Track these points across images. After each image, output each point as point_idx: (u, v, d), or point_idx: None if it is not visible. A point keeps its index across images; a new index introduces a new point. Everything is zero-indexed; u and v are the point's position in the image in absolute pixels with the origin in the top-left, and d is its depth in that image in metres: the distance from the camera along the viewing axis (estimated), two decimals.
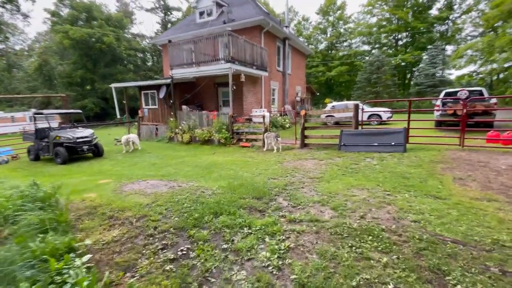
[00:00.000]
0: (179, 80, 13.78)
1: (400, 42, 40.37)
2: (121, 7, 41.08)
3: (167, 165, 7.78)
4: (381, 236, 2.84)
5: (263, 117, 10.13)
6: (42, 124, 10.86)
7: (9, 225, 2.74)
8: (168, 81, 13.51)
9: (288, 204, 3.91)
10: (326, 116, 15.88)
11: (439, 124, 11.69)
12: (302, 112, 9.03)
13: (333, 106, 17.28)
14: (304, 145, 9.16)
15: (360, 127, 8.55)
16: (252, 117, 12.78)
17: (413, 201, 3.82)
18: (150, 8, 43.50)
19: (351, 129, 8.22)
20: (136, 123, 17.60)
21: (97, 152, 9.86)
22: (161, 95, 14.39)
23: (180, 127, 12.75)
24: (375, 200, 3.91)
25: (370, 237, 2.82)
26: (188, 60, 12.45)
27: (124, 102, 17.76)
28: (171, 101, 13.52)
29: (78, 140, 9.03)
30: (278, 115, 15.71)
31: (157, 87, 14.75)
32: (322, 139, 9.36)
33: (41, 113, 9.11)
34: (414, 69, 38.76)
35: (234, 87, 12.01)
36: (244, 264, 2.51)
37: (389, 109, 16.83)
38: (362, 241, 2.77)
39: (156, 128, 15.34)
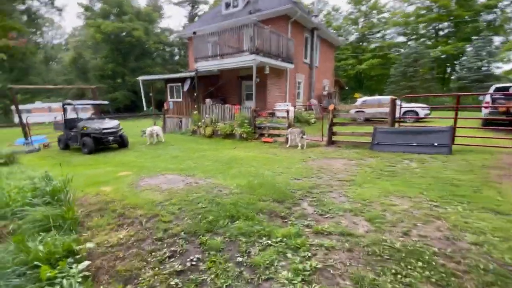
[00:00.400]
0: (203, 73, 13.61)
1: (441, 33, 36.93)
2: (151, 1, 42.10)
3: (188, 158, 7.60)
4: (433, 263, 2.27)
5: (287, 111, 9.60)
6: (73, 115, 11.34)
7: (15, 219, 2.59)
8: (193, 73, 13.40)
9: (314, 211, 3.43)
10: (356, 112, 14.90)
11: (487, 123, 10.30)
12: (331, 107, 8.35)
13: (364, 101, 16.16)
14: (331, 143, 8.50)
15: (396, 125, 7.69)
16: (276, 111, 12.27)
17: (468, 216, 3.14)
18: (178, 1, 44.12)
19: (385, 127, 7.41)
20: (162, 116, 17.95)
21: (122, 143, 10.03)
22: (186, 88, 14.36)
23: (203, 121, 12.62)
24: (420, 212, 3.29)
25: (420, 263, 2.27)
26: (213, 52, 12.19)
27: (151, 94, 18.13)
28: (195, 94, 13.42)
29: (104, 131, 9.20)
30: (303, 109, 15.01)
31: (182, 80, 14.75)
32: (352, 137, 8.63)
33: (70, 104, 9.42)
34: (455, 62, 35.37)
35: (258, 80, 11.57)
36: (260, 285, 2.11)
37: (427, 105, 15.36)
38: (409, 267, 2.23)
39: (180, 121, 15.42)
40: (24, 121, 10.77)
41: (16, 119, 22.61)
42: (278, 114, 12.01)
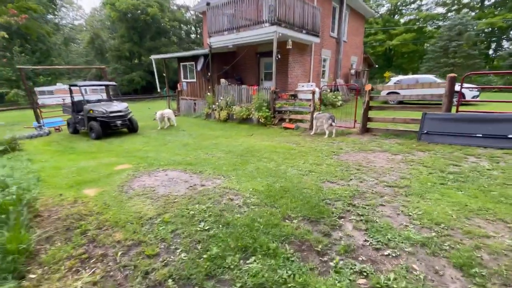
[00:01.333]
0: (218, 50, 12.37)
1: (487, 2, 32.22)
2: None
3: (199, 147, 6.70)
4: None
5: (313, 93, 8.27)
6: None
7: None
8: (206, 51, 12.20)
9: (365, 240, 2.36)
10: (388, 94, 13.12)
11: None
12: (368, 87, 6.94)
13: (397, 81, 14.24)
14: (365, 130, 7.18)
15: (447, 110, 6.16)
16: (298, 92, 10.93)
17: None
18: None
19: (438, 112, 5.95)
20: (176, 97, 17.14)
21: (131, 127, 9.32)
22: (199, 67, 13.26)
23: (217, 103, 11.59)
24: None
25: None
26: (228, 25, 10.84)
27: (165, 75, 17.24)
28: (209, 74, 12.31)
29: (111, 115, 8.48)
30: (328, 90, 13.46)
31: (195, 59, 13.63)
32: (390, 124, 7.25)
33: (76, 85, 8.71)
34: (503, 36, 31.00)
35: (279, 56, 10.20)
36: None
37: (475, 86, 13.22)
38: None
39: (194, 103, 14.51)
40: (41, 103, 10.32)
41: (39, 101, 22.84)
42: (301, 96, 10.67)
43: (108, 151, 6.82)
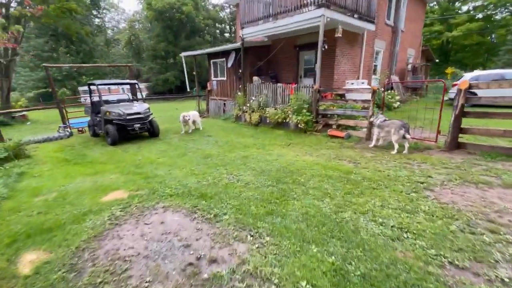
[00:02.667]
0: (251, 44, 10.88)
1: None
2: None
3: (223, 162, 5.25)
4: None
5: (373, 92, 6.31)
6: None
7: None
8: (238, 45, 10.79)
9: None
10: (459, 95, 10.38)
11: None
12: (463, 85, 4.82)
13: (473, 77, 11.34)
14: (456, 146, 5.06)
15: None
16: (348, 91, 8.94)
17: None
18: None
19: None
20: (205, 97, 16.13)
21: (152, 131, 8.25)
22: (230, 63, 11.91)
23: (248, 104, 10.09)
24: None
25: None
26: (264, 13, 9.27)
27: (195, 73, 16.33)
28: (240, 71, 10.88)
29: (128, 117, 7.46)
30: (381, 89, 11.16)
31: (226, 54, 12.32)
32: (501, 138, 5.03)
33: (93, 84, 7.89)
34: None
35: (325, 47, 8.35)
36: None
37: None
38: None
39: (224, 104, 13.24)
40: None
41: (82, 100, 23.71)
42: (350, 96, 8.67)
43: (117, 162, 5.70)
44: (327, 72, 9.79)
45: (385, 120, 5.56)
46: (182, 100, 29.53)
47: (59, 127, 9.79)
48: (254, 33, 9.83)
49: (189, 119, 8.85)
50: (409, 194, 3.28)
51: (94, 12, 31.87)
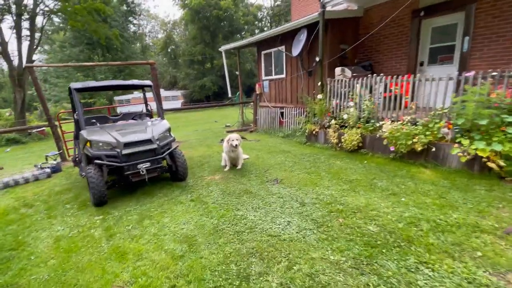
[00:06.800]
0: (333, 15, 6.77)
1: None
2: None
3: None
4: None
5: None
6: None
7: None
8: (313, 16, 6.74)
9: None
10: None
11: None
12: None
13: None
14: None
15: None
16: None
17: None
18: None
19: None
20: (251, 104, 12.40)
21: (175, 171, 4.52)
22: (296, 51, 7.89)
23: (335, 115, 5.92)
24: None
25: None
26: None
27: (238, 73, 12.69)
28: (317, 59, 6.73)
29: (125, 151, 3.82)
30: None
31: (288, 38, 8.36)
32: None
33: (78, 89, 4.43)
34: None
35: None
36: None
37: None
38: None
39: (281, 113, 9.22)
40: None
41: (118, 110, 21.89)
42: None
43: (90, 256, 1.96)
44: (476, 51, 5.19)
45: None
46: (220, 108, 26.46)
47: (51, 155, 6.73)
48: None
49: (238, 145, 4.91)
50: None
51: (130, 18, 30.97)
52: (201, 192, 4.14)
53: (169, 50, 34.22)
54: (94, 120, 4.85)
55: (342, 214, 3.11)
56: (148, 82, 5.21)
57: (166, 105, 27.48)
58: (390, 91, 5.31)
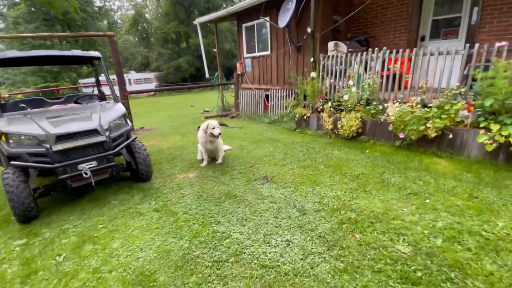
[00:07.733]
0: None
1: None
2: None
3: None
4: None
5: None
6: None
7: None
8: None
9: None
10: None
11: None
12: None
13: None
14: None
15: None
16: None
17: None
18: None
19: None
20: (233, 87, 11.21)
21: (136, 170, 3.51)
22: (283, 21, 6.83)
23: (331, 97, 5.11)
24: None
25: None
26: None
27: (215, 50, 11.39)
28: (309, 30, 5.76)
29: (57, 147, 2.75)
30: None
31: (273, 7, 7.26)
32: None
33: None
34: None
35: None
36: None
37: None
38: None
39: (266, 96, 8.26)
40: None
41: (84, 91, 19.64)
42: None
43: None
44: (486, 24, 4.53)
45: None
46: (198, 91, 24.86)
47: None
48: None
49: (220, 133, 3.93)
50: None
51: None
52: (170, 197, 3.20)
53: (139, 28, 31.22)
54: (23, 105, 3.66)
55: (358, 226, 2.34)
56: (95, 53, 4.00)
57: (138, 88, 25.30)
58: (389, 69, 4.53)
